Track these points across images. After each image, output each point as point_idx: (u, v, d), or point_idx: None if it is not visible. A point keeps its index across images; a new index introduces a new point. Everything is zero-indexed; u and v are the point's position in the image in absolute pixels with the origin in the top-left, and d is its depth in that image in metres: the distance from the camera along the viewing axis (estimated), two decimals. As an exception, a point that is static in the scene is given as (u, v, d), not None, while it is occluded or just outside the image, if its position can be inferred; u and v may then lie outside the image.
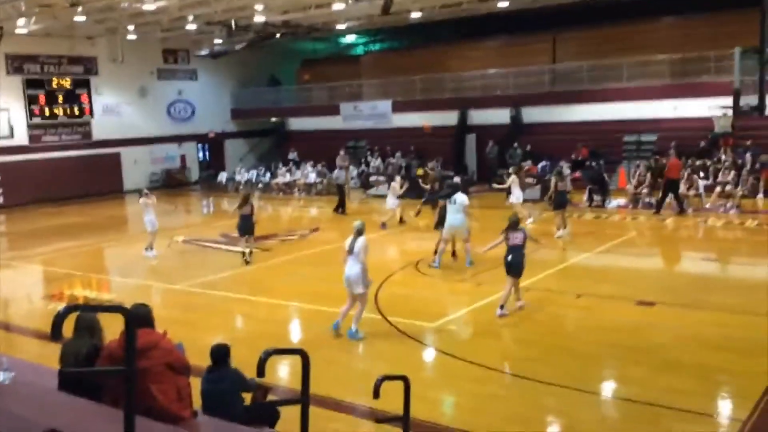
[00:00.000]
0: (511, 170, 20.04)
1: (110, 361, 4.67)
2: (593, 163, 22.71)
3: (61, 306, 10.74)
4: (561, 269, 13.38)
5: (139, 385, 3.71)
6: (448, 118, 28.77)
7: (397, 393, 5.15)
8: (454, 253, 14.05)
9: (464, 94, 28.46)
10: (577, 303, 10.94)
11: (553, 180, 16.74)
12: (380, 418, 5.40)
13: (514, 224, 10.27)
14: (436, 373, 8.70)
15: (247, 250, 14.79)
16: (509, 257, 10.06)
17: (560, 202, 16.18)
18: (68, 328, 4.13)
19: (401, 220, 18.93)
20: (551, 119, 26.60)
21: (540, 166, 24.59)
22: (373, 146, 30.09)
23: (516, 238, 10.10)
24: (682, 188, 19.66)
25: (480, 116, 28.35)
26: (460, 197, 13.22)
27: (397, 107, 29.88)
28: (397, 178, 20.21)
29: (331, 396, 7.25)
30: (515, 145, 26.11)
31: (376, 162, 28.77)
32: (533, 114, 27.19)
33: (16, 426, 3.16)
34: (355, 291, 9.28)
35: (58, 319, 2.80)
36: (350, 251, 9.21)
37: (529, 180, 23.06)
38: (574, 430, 6.76)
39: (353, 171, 27.92)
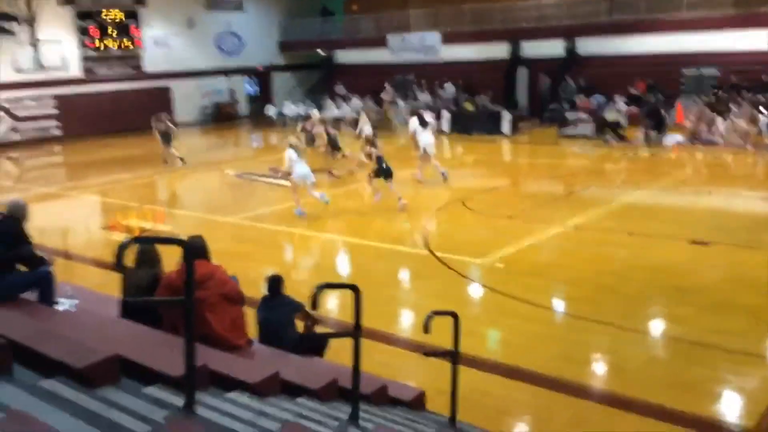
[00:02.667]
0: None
1: (169, 291, 4.84)
2: (651, 98, 21.97)
3: (119, 236, 10.98)
4: (614, 207, 13.15)
5: (196, 314, 3.83)
6: (499, 50, 28.02)
7: (444, 328, 5.20)
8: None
9: (516, 25, 27.38)
10: (629, 241, 10.77)
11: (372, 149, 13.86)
12: (429, 352, 5.46)
13: None
14: (484, 309, 8.74)
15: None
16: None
17: (386, 171, 13.29)
18: (128, 258, 4.26)
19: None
20: (607, 52, 25.64)
21: (594, 100, 23.93)
22: (421, 80, 29.57)
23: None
24: (743, 124, 18.94)
25: (532, 48, 27.51)
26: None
27: (446, 39, 29.09)
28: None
29: (379, 329, 7.36)
30: (568, 79, 25.38)
31: (424, 96, 28.33)
32: (588, 46, 26.26)
33: (80, 352, 3.30)
34: (309, 181, 12.65)
35: (121, 251, 2.87)
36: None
37: (582, 116, 22.52)
38: (621, 369, 6.75)
39: (402, 105, 27.61)
